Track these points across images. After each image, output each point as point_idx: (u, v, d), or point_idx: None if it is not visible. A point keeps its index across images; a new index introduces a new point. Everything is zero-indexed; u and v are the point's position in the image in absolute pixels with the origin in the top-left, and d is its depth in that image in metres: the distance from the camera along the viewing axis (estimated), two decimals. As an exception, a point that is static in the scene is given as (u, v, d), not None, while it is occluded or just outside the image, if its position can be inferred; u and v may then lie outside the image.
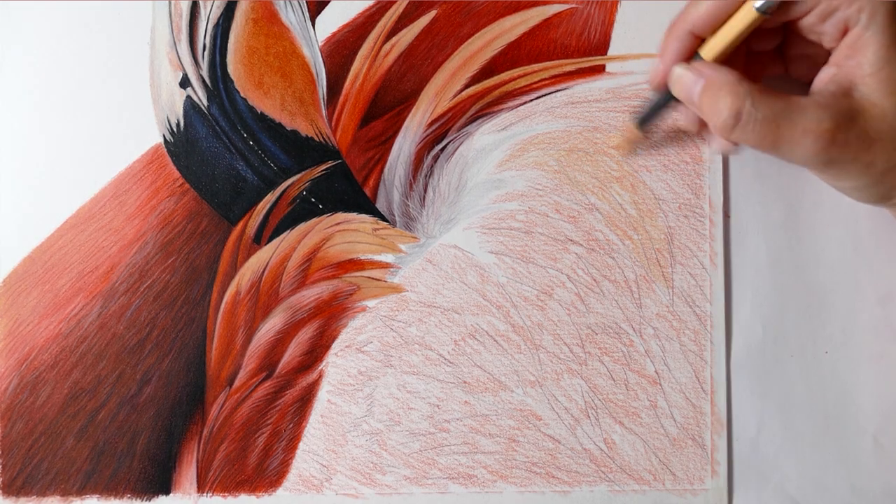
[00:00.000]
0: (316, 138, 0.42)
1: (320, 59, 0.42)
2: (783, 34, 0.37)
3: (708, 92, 0.34)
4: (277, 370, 0.41)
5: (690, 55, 0.36)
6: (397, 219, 0.42)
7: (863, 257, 0.41)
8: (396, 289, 0.41)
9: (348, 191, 0.42)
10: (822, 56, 0.36)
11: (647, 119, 0.39)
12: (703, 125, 0.38)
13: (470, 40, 0.42)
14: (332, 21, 0.42)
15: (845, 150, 0.33)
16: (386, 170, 0.42)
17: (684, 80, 0.35)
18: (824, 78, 0.35)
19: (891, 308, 0.41)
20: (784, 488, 0.41)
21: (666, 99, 0.38)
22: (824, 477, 0.41)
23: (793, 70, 0.38)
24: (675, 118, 0.41)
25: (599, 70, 0.42)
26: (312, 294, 0.41)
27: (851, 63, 0.33)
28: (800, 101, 0.33)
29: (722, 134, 0.34)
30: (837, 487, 0.40)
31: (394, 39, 0.42)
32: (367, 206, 0.42)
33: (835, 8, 0.33)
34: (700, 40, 0.36)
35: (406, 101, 0.42)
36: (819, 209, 0.41)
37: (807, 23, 0.34)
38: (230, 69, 0.42)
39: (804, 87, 0.37)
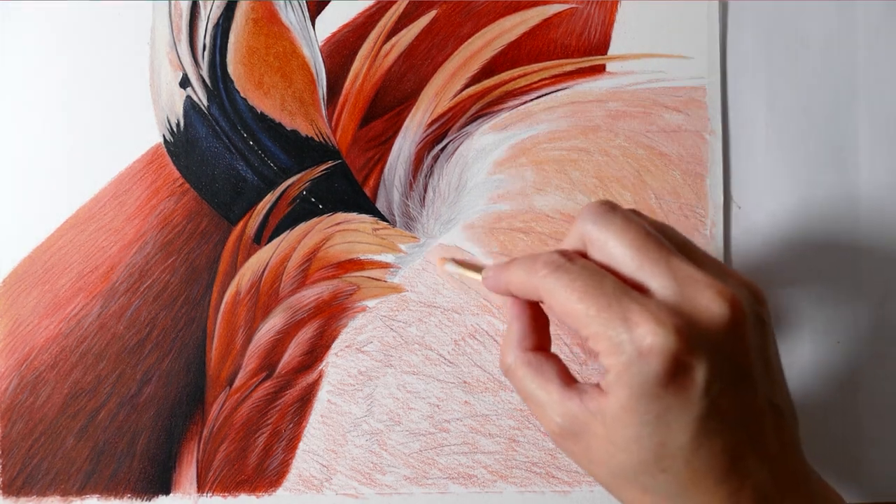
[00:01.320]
0: (316, 138, 0.42)
1: (320, 59, 0.42)
2: None
3: (504, 334, 0.35)
4: (277, 370, 0.41)
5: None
6: (397, 219, 0.42)
7: (864, 255, 0.41)
8: (396, 289, 0.41)
9: (348, 191, 0.42)
10: None
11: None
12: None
13: (470, 40, 0.42)
14: (332, 21, 0.42)
15: (574, 449, 0.31)
16: (386, 170, 0.42)
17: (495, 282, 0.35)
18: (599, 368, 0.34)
19: (890, 307, 0.41)
20: None
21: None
22: (838, 467, 0.41)
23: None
24: None
25: (599, 70, 0.42)
26: (312, 294, 0.41)
27: (600, 393, 0.31)
28: (551, 393, 0.31)
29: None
30: (851, 477, 0.41)
31: (394, 39, 0.42)
32: (367, 206, 0.42)
33: (596, 352, 0.30)
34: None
35: (406, 101, 0.42)
36: (830, 202, 0.41)
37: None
38: (230, 69, 0.42)
39: None
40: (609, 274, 0.30)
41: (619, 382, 0.29)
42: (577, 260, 0.31)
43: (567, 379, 0.32)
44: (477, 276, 0.37)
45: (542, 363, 0.32)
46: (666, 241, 0.31)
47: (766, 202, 0.42)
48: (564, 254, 0.31)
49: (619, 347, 0.28)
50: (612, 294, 0.29)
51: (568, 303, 0.30)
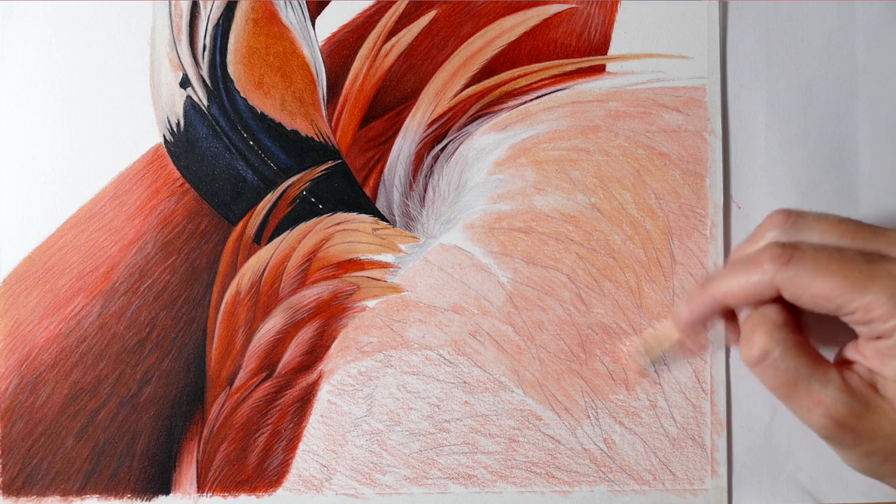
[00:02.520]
0: (316, 138, 0.42)
1: (320, 59, 0.42)
2: None
3: (749, 323, 0.34)
4: (277, 370, 0.41)
5: (714, 314, 0.36)
6: (397, 219, 0.42)
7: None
8: (396, 289, 0.42)
9: (348, 191, 0.42)
10: (845, 338, 0.35)
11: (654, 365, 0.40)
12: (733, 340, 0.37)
13: (470, 40, 0.42)
14: (332, 21, 0.42)
15: (849, 435, 0.32)
16: (386, 170, 0.42)
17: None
18: (863, 352, 0.34)
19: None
20: (796, 477, 0.41)
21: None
22: (837, 466, 0.41)
23: (809, 334, 0.37)
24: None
25: (599, 70, 0.42)
26: (312, 294, 0.42)
27: (877, 363, 0.32)
28: (827, 371, 0.32)
29: (746, 364, 0.34)
30: (850, 477, 0.41)
31: (394, 39, 0.42)
32: (367, 205, 0.42)
33: (871, 320, 0.32)
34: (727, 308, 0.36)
35: (406, 101, 0.42)
36: (829, 202, 0.41)
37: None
38: (230, 69, 0.42)
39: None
40: (846, 248, 0.32)
41: None
42: (803, 245, 0.32)
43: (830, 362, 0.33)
44: (670, 331, 0.39)
45: (808, 345, 0.33)
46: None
47: (765, 202, 0.42)
48: (784, 245, 0.32)
49: None
50: (866, 263, 0.31)
51: (824, 283, 0.31)
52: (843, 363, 0.33)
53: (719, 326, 0.39)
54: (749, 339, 0.33)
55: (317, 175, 0.42)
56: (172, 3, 0.42)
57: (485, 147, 0.42)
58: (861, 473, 0.34)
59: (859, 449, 0.32)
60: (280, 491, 0.41)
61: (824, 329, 0.38)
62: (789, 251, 0.33)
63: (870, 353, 0.33)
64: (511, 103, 0.42)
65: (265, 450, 0.41)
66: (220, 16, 0.42)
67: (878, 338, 0.32)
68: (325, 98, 0.42)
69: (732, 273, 0.34)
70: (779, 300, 0.34)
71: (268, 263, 0.42)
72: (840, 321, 0.34)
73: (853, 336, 0.34)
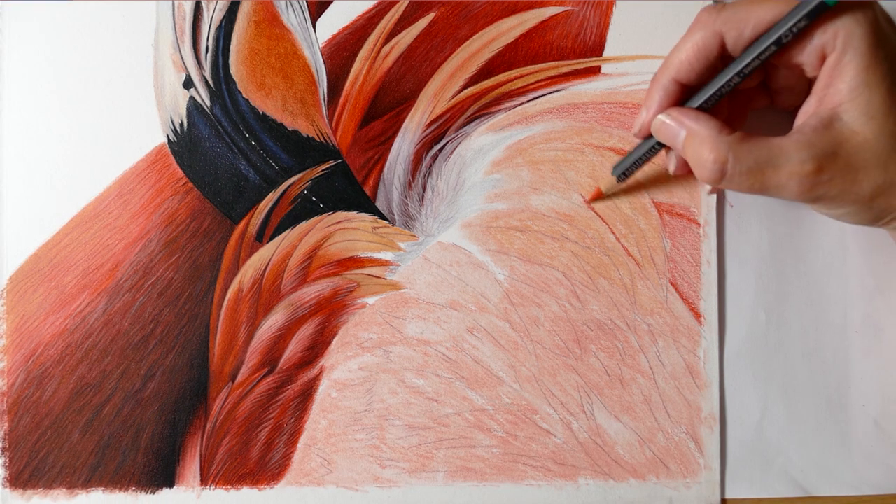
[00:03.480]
0: (317, 138, 0.42)
1: (321, 61, 0.42)
2: (765, 69, 0.37)
3: (690, 144, 0.35)
4: (279, 366, 0.42)
5: (675, 103, 0.37)
6: (397, 217, 0.42)
7: (857, 246, 0.42)
8: (396, 286, 0.42)
9: (348, 190, 0.42)
10: (804, 86, 0.36)
11: (628, 170, 0.40)
12: (682, 168, 0.38)
13: (468, 42, 0.42)
14: (332, 23, 0.42)
15: (831, 186, 0.33)
16: (385, 169, 0.42)
17: (666, 130, 0.36)
18: (807, 110, 0.35)
19: (887, 296, 0.42)
20: (787, 471, 0.41)
21: (649, 148, 0.38)
22: (827, 460, 0.41)
23: (778, 102, 0.39)
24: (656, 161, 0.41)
25: (595, 71, 0.42)
26: (313, 291, 0.42)
27: (831, 91, 0.33)
28: (781, 144, 0.33)
29: (709, 184, 0.35)
30: (840, 471, 0.41)
31: (393, 41, 0.42)
32: (367, 204, 0.42)
33: (810, 36, 0.33)
34: (685, 88, 0.36)
35: (405, 102, 0.42)
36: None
37: (786, 54, 0.35)
38: (232, 70, 0.42)
39: (791, 115, 0.37)
40: None
41: (847, 50, 0.32)
42: None
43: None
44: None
45: (749, 135, 0.34)
46: None
47: (758, 201, 0.42)
48: (714, 3, 0.35)
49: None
50: None
51: (764, 9, 0.34)
52: (792, 133, 0.34)
53: (667, 158, 0.39)
54: (698, 158, 0.34)
55: (318, 174, 0.42)
56: (176, 4, 0.42)
57: (482, 147, 0.42)
58: (860, 224, 0.35)
59: (847, 195, 0.33)
60: (282, 484, 0.41)
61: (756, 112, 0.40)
62: (721, 3, 0.34)
63: (821, 87, 0.33)
64: (508, 104, 0.42)
65: (267, 444, 0.41)
66: (223, 18, 0.42)
67: (822, 58, 0.33)
68: (326, 99, 0.42)
69: (677, 47, 0.35)
70: (703, 116, 0.34)
71: (269, 261, 0.42)
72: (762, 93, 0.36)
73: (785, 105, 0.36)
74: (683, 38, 0.36)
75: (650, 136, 0.38)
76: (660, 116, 0.36)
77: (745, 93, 0.39)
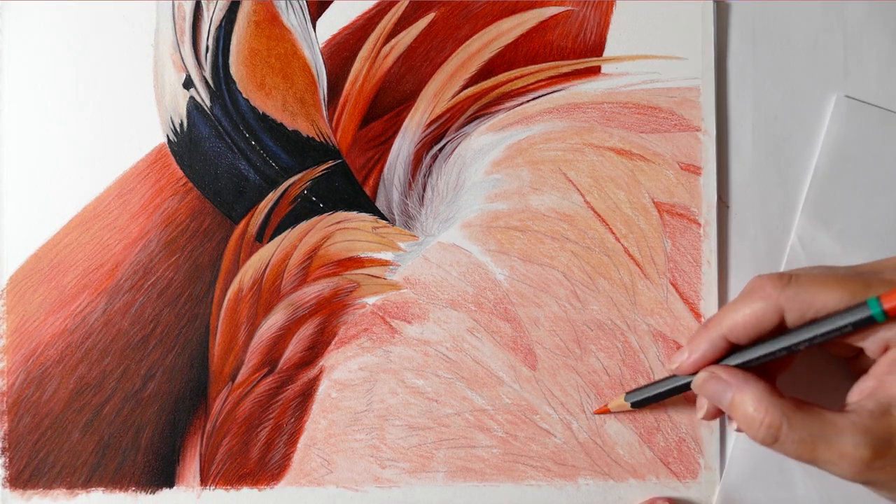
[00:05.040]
0: (317, 138, 0.42)
1: (321, 61, 0.42)
2: None
3: (739, 405, 0.34)
4: (279, 366, 0.42)
5: (719, 356, 0.36)
6: (396, 217, 0.42)
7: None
8: (395, 286, 0.42)
9: (348, 190, 0.42)
10: (858, 357, 0.36)
11: (645, 401, 0.40)
12: (718, 413, 0.38)
13: (468, 42, 0.42)
14: (332, 23, 0.42)
15: (883, 472, 0.32)
16: (385, 169, 0.42)
17: (712, 388, 0.36)
18: (863, 388, 0.34)
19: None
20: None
21: (676, 388, 0.38)
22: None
23: (828, 349, 0.38)
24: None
25: (595, 71, 0.42)
26: (313, 291, 0.42)
27: (891, 380, 0.33)
28: (836, 422, 0.32)
29: (762, 444, 0.34)
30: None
31: (393, 41, 0.42)
32: (366, 204, 0.42)
33: (875, 329, 0.33)
34: (731, 346, 0.36)
35: (405, 102, 0.42)
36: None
37: (848, 336, 0.34)
38: (232, 70, 0.42)
39: (839, 362, 0.37)
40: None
41: None
42: (798, 270, 0.35)
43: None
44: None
45: (807, 404, 0.33)
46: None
47: (755, 201, 0.42)
48: (780, 273, 0.35)
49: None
50: (861, 276, 0.34)
51: (828, 295, 0.33)
52: (848, 411, 0.33)
53: (698, 402, 0.39)
54: (750, 422, 0.34)
55: (317, 174, 0.42)
56: (176, 5, 0.42)
57: (482, 147, 0.42)
58: None
59: None
60: (282, 484, 0.41)
61: (814, 383, 0.39)
62: (787, 276, 0.34)
63: (881, 372, 0.33)
64: (508, 104, 0.42)
65: (267, 444, 0.41)
66: (223, 18, 0.42)
67: (886, 349, 0.32)
68: (326, 99, 0.42)
69: (733, 306, 0.35)
70: (752, 377, 0.34)
71: (269, 261, 0.42)
72: (827, 365, 0.34)
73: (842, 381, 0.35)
74: (742, 300, 0.35)
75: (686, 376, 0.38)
76: (703, 374, 0.36)
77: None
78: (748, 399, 0.34)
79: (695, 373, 0.37)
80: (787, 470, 0.41)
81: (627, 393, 0.40)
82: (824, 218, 0.42)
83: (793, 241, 0.42)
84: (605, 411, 0.41)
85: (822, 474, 0.41)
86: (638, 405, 0.40)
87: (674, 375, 0.38)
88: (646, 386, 0.40)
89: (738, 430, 0.36)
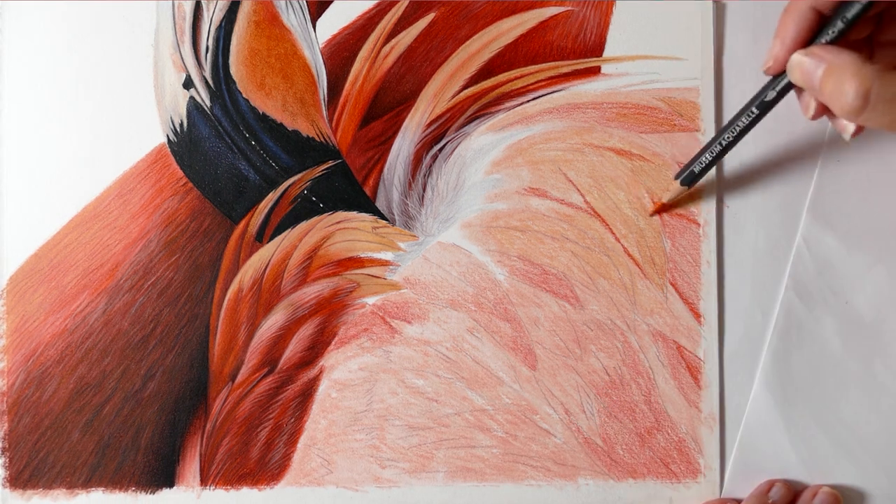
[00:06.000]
0: (317, 138, 0.42)
1: (321, 61, 0.42)
2: (876, 21, 0.36)
3: (831, 76, 0.33)
4: (279, 366, 0.42)
5: (810, 35, 0.36)
6: (397, 217, 0.42)
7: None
8: (395, 286, 0.42)
9: (349, 190, 0.42)
10: None
11: (704, 169, 0.40)
12: (820, 111, 0.37)
13: (468, 42, 0.42)
14: (332, 23, 0.42)
15: None
16: (385, 169, 0.42)
17: (804, 66, 0.35)
18: None
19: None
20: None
21: (783, 88, 0.37)
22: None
23: (878, 57, 0.38)
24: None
25: (595, 71, 0.42)
26: (313, 291, 0.42)
27: None
28: None
29: (850, 118, 0.33)
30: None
31: (393, 41, 0.42)
32: (367, 204, 0.42)
33: None
34: (820, 18, 0.35)
35: (405, 102, 0.42)
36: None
37: None
38: (232, 70, 0.42)
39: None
40: None
41: None
42: None
43: None
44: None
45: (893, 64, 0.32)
46: None
47: (754, 201, 0.42)
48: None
49: None
50: None
51: None
52: None
53: (802, 103, 0.37)
54: (840, 89, 0.33)
55: (318, 174, 0.42)
56: (176, 4, 0.42)
57: (482, 147, 0.42)
58: None
59: None
60: (282, 484, 0.41)
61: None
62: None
63: None
64: (508, 104, 0.42)
65: (267, 444, 0.41)
66: (223, 18, 0.42)
67: None
68: (326, 99, 0.42)
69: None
70: (843, 49, 0.33)
71: (269, 261, 0.42)
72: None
73: None
74: None
75: (780, 74, 0.37)
76: (795, 56, 0.35)
77: (849, 46, 0.37)
78: (838, 70, 0.33)
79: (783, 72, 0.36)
80: (788, 470, 0.41)
81: (677, 176, 0.40)
82: (829, 219, 0.42)
83: (798, 242, 0.42)
84: (659, 208, 0.41)
85: (823, 474, 0.41)
86: (694, 178, 0.40)
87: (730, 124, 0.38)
88: (700, 152, 0.40)
89: (853, 134, 0.35)
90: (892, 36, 0.37)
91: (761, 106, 0.38)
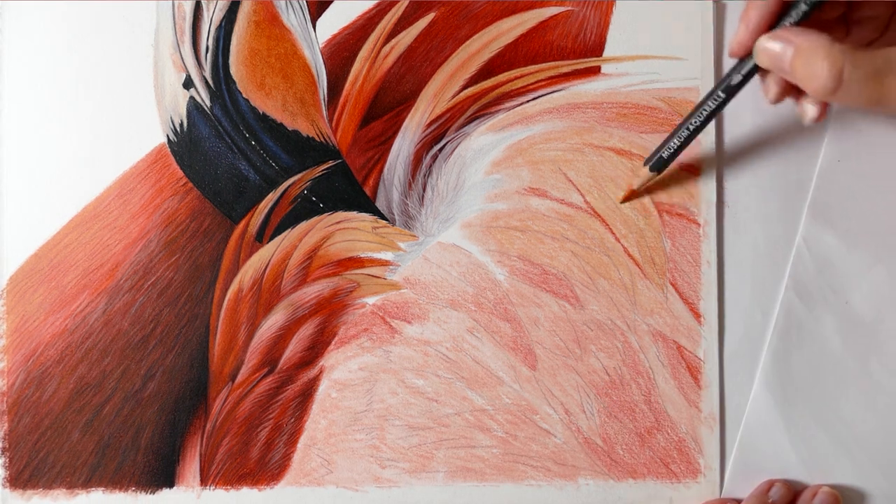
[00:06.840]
0: (317, 138, 0.42)
1: (321, 61, 0.42)
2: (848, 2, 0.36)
3: (801, 58, 0.33)
4: (279, 366, 0.42)
5: (775, 18, 0.35)
6: (396, 217, 0.42)
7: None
8: (395, 286, 0.42)
9: (349, 190, 0.42)
10: (886, 16, 0.35)
11: (672, 154, 0.40)
12: (781, 95, 0.37)
13: (468, 42, 0.42)
14: (332, 23, 0.42)
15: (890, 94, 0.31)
16: (385, 169, 0.42)
17: (772, 50, 0.35)
18: None
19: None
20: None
21: (749, 71, 0.37)
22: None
23: (855, 35, 0.37)
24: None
25: (595, 71, 0.42)
26: (313, 291, 0.42)
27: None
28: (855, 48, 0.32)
29: (823, 97, 0.33)
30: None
31: (393, 41, 0.43)
32: (367, 204, 0.42)
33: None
34: (784, 4, 0.35)
35: (405, 102, 0.42)
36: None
37: None
38: (232, 70, 0.42)
39: None
40: None
41: None
42: None
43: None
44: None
45: (872, 48, 0.32)
46: None
47: (754, 201, 0.42)
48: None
49: None
50: None
51: None
52: None
53: (764, 86, 0.37)
54: (811, 71, 0.33)
55: (318, 174, 0.42)
56: (176, 4, 0.42)
57: (482, 147, 0.42)
58: None
59: None
60: (282, 484, 0.41)
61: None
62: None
63: None
64: (508, 104, 0.42)
65: (267, 444, 0.42)
66: (223, 18, 0.42)
67: None
68: (326, 99, 0.42)
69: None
70: (811, 30, 0.33)
71: (269, 261, 0.42)
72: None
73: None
74: None
75: (745, 57, 0.37)
76: (761, 40, 0.35)
77: (823, 25, 0.37)
78: (808, 50, 0.33)
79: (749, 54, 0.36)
80: (788, 470, 0.41)
81: (650, 157, 0.40)
82: (829, 218, 0.42)
83: (798, 242, 0.42)
84: (629, 195, 0.41)
85: (823, 474, 0.41)
86: (663, 164, 0.40)
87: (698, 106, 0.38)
88: (668, 137, 0.40)
89: (817, 118, 0.35)
90: (865, 13, 0.37)
91: (727, 89, 0.38)
